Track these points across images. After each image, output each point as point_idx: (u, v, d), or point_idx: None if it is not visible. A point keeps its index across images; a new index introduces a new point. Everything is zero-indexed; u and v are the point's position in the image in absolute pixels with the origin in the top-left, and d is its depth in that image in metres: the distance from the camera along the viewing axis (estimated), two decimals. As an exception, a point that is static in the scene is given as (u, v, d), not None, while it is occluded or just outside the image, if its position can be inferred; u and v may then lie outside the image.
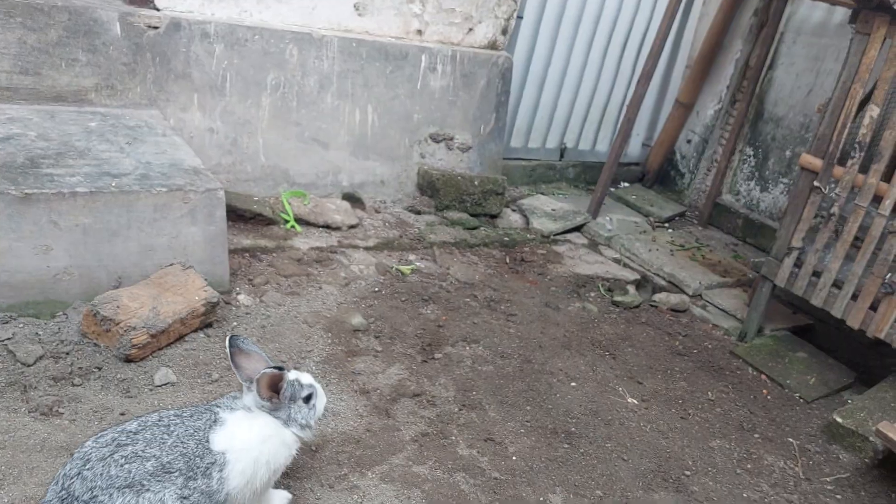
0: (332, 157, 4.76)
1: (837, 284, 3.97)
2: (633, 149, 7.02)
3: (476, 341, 3.76)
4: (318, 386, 2.38)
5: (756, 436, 3.56)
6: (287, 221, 4.35)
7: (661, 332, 4.37)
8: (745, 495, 3.11)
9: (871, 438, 3.48)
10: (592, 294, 4.66)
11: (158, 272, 3.15)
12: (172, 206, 3.16)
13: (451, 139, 5.30)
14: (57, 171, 3.02)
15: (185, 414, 2.11)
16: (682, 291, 5.00)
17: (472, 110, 5.30)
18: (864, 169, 3.86)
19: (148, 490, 1.92)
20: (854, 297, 3.89)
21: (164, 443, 1.99)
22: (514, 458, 3.00)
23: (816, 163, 4.03)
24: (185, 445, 2.02)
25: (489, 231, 5.17)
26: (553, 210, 5.68)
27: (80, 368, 2.83)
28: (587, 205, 5.87)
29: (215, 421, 2.12)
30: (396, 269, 4.27)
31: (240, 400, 2.25)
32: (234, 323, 3.33)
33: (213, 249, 3.35)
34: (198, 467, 2.02)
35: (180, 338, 3.10)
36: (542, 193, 6.13)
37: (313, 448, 2.75)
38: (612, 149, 5.64)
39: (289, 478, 2.58)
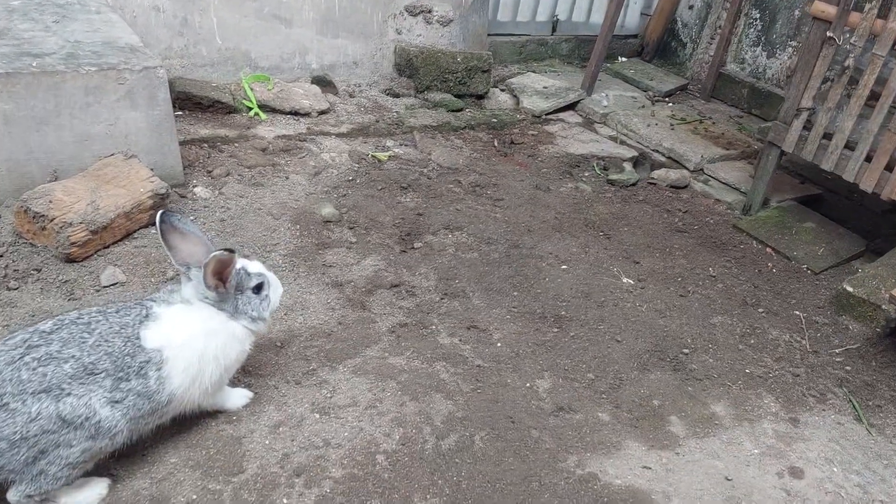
0: (297, 36, 4.34)
1: (850, 146, 3.64)
2: (631, 19, 6.51)
3: (459, 228, 3.49)
4: (269, 274, 2.13)
5: (760, 310, 3.33)
6: (250, 108, 4.00)
7: (659, 210, 4.09)
8: (747, 371, 2.90)
9: (883, 307, 3.25)
10: (586, 174, 4.35)
11: (97, 163, 2.84)
12: (106, 87, 2.81)
13: (430, 11, 4.84)
14: (-32, 54, 2.66)
15: (109, 310, 1.87)
16: (683, 166, 4.68)
17: (451, -22, 4.82)
18: (882, 14, 3.45)
19: (69, 394, 1.71)
20: (868, 158, 3.57)
21: (83, 342, 1.77)
22: (498, 344, 2.78)
23: (830, 10, 3.61)
24: (111, 344, 1.79)
25: (475, 113, 4.80)
26: (545, 88, 5.28)
27: (15, 271, 2.58)
28: (581, 81, 5.45)
29: (147, 316, 1.88)
30: (372, 155, 3.95)
31: (177, 293, 2.00)
32: (191, 217, 3.05)
33: (159, 137, 3.03)
34: (129, 367, 1.80)
35: (128, 234, 2.84)
36: (533, 71, 5.70)
37: (278, 344, 2.53)
38: (606, 16, 5.17)
39: (249, 375, 2.37)
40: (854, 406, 2.80)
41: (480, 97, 5.02)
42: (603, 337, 2.94)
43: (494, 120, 4.77)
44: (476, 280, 3.15)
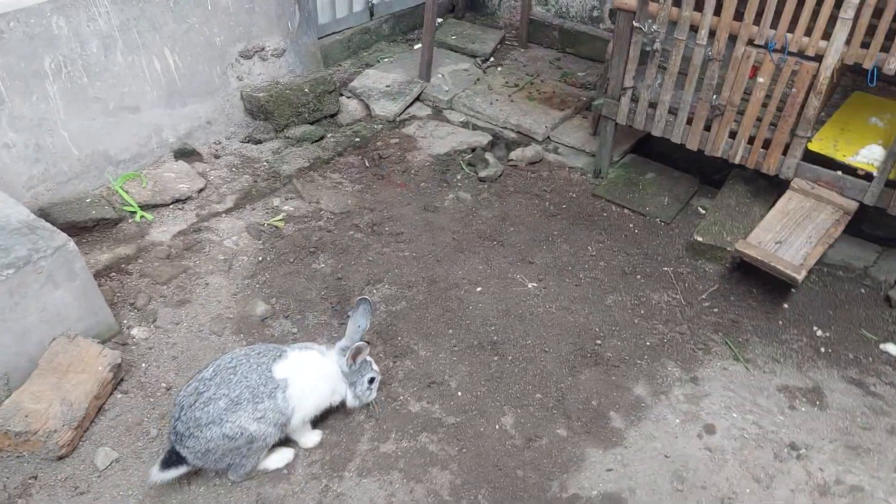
0: (149, 119, 4.29)
1: (673, 112, 4.30)
2: (437, -18, 6.74)
3: (379, 280, 3.84)
4: (379, 377, 3.02)
5: (638, 277, 4.02)
6: (133, 212, 4.00)
7: (529, 197, 4.61)
8: (647, 343, 3.59)
9: (728, 248, 4.04)
10: (458, 177, 4.76)
11: (46, 354, 2.91)
12: (27, 282, 2.84)
13: (263, 49, 4.87)
14: None
15: (252, 352, 2.70)
16: (533, 139, 5.20)
17: (273, 8, 4.83)
18: (677, 2, 4.02)
19: (227, 422, 2.55)
20: (689, 122, 4.25)
21: (230, 382, 2.58)
22: (458, 393, 3.26)
23: (631, 2, 4.13)
24: (249, 379, 2.60)
25: (336, 136, 5.00)
26: (388, 87, 5.52)
27: (15, 487, 2.69)
28: (416, 67, 5.73)
29: (280, 356, 2.70)
30: (269, 224, 4.13)
31: (312, 349, 2.85)
32: (144, 365, 3.20)
33: (87, 302, 3.10)
34: (262, 392, 2.61)
35: (99, 410, 2.97)
36: (368, 65, 5.89)
37: (285, 471, 2.85)
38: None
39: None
40: (730, 347, 3.58)
41: (333, 115, 5.21)
42: (533, 351, 3.50)
43: (357, 139, 5.01)
44: (414, 331, 3.56)
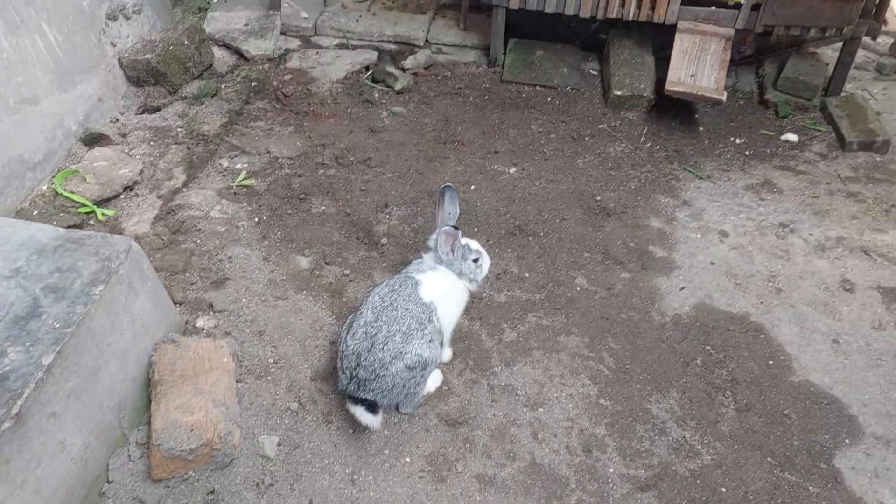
0: (49, 108, 3.65)
1: (563, -12, 4.69)
2: None
3: (385, 205, 3.81)
4: (483, 251, 2.94)
5: (587, 139, 4.47)
6: (91, 212, 3.47)
7: (453, 97, 4.76)
8: (632, 187, 4.09)
9: (644, 94, 4.63)
10: (377, 95, 4.74)
11: (159, 367, 2.57)
12: (116, 296, 2.46)
13: (124, 6, 4.28)
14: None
15: (396, 286, 2.68)
16: (415, 45, 5.28)
17: (116, -42, 4.24)
18: None
19: (406, 353, 2.57)
20: (578, -7, 4.68)
21: (395, 318, 2.59)
22: (526, 275, 3.49)
23: None
24: (410, 310, 2.62)
25: (231, 86, 4.65)
26: (246, 26, 5.17)
27: (205, 509, 2.45)
28: (267, 2, 5.40)
29: (416, 284, 2.71)
30: (238, 185, 3.84)
31: (423, 263, 2.85)
32: (234, 349, 2.94)
33: (160, 304, 2.74)
34: (425, 318, 2.64)
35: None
36: (202, 9, 5.39)
37: (445, 387, 2.91)
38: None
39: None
40: (689, 171, 4.22)
41: (211, 66, 4.79)
42: (555, 222, 3.80)
43: (253, 83, 4.70)
44: (487, 225, 3.66)
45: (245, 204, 3.73)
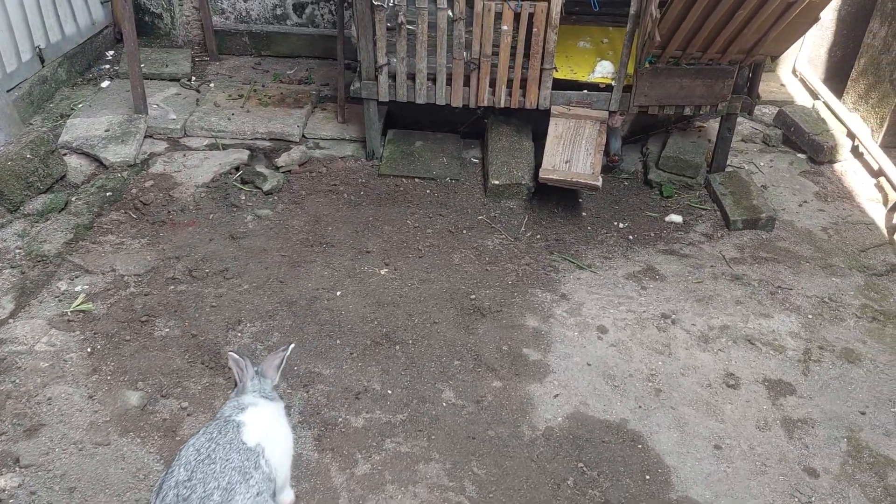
0: None
1: (431, 78, 4.57)
2: (97, 13, 6.07)
3: (238, 322, 3.50)
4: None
5: (465, 232, 4.26)
6: None
7: (326, 194, 4.53)
8: (509, 282, 3.87)
9: (522, 182, 4.48)
10: (243, 197, 4.47)
11: None
12: None
13: (-47, 121, 3.96)
14: None
15: (212, 435, 2.29)
16: (290, 141, 5.07)
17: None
18: (409, -25, 4.25)
19: None
20: (448, 83, 4.56)
21: (214, 473, 2.20)
22: (388, 392, 3.18)
23: (365, -16, 4.26)
24: (230, 460, 2.24)
25: (83, 198, 4.31)
26: (107, 131, 4.88)
27: None
28: (124, 104, 5.14)
29: (238, 426, 2.35)
30: (74, 311, 3.47)
31: (240, 400, 2.47)
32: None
33: None
34: (250, 466, 2.27)
35: None
36: (64, 116, 5.10)
37: None
38: (128, 24, 4.84)
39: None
40: (570, 261, 4.04)
41: (63, 177, 4.46)
42: (425, 327, 3.53)
43: (108, 193, 4.38)
44: (304, 355, 3.35)
45: (78, 332, 3.36)
